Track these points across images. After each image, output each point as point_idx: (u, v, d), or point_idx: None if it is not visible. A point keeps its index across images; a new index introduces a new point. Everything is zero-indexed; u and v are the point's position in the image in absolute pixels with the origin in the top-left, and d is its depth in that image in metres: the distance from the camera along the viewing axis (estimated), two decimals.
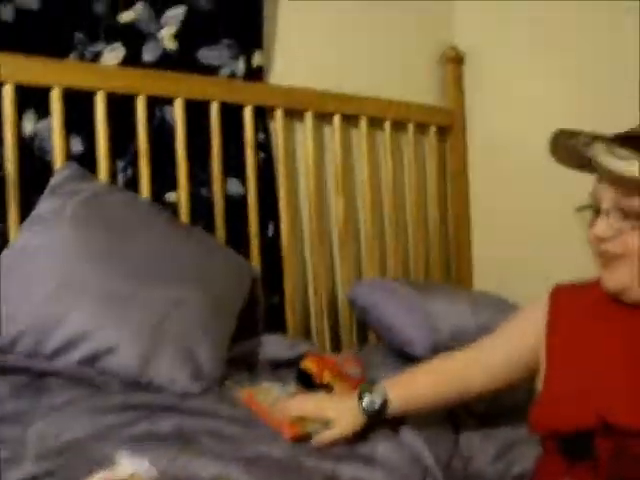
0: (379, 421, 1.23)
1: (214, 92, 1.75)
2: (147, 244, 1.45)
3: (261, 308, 1.81)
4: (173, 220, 1.62)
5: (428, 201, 2.24)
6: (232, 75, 1.79)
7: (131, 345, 1.33)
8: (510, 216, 2.18)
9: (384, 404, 1.22)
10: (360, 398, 1.22)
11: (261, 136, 1.85)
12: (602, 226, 1.04)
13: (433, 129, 2.22)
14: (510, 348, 1.23)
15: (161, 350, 1.34)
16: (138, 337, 1.34)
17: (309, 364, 1.46)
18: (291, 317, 1.88)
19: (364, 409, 1.21)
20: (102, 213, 1.45)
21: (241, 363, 1.58)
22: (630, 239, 1.02)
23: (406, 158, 2.18)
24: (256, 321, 1.81)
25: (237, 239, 1.79)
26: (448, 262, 2.32)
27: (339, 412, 1.21)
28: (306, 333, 1.97)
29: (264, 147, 1.86)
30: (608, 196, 1.03)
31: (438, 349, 1.60)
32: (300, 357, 1.58)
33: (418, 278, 2.17)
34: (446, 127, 2.28)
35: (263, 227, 1.84)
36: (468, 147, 2.32)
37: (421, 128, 2.22)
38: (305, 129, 1.93)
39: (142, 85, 1.65)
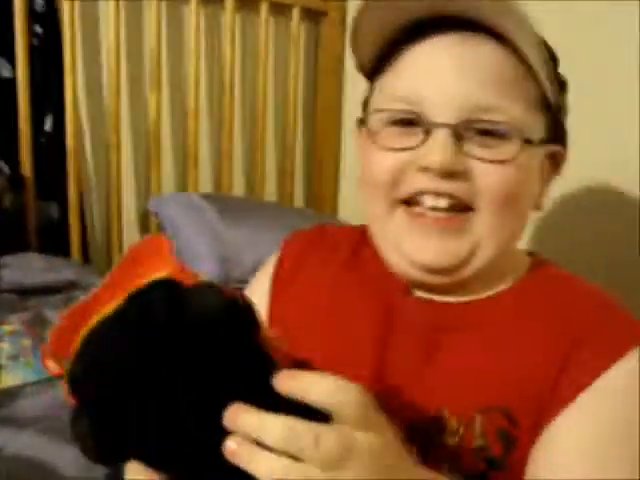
0: None
1: None
2: None
3: (32, 222, 1.48)
4: None
5: (287, 102, 1.84)
6: None
7: None
8: None
9: None
10: None
11: (40, 2, 1.45)
12: None
13: (297, 11, 1.79)
14: None
15: None
16: None
17: None
18: (76, 233, 1.53)
19: None
20: None
21: None
22: None
23: (260, 47, 1.76)
24: (25, 238, 1.48)
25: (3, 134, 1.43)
26: (309, 183, 1.95)
27: None
28: (109, 254, 1.64)
29: (45, 20, 1.46)
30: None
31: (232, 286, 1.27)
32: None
33: (263, 197, 1.81)
34: (317, 10, 1.85)
35: (39, 121, 1.48)
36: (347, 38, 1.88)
37: (279, 9, 1.78)
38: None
39: None
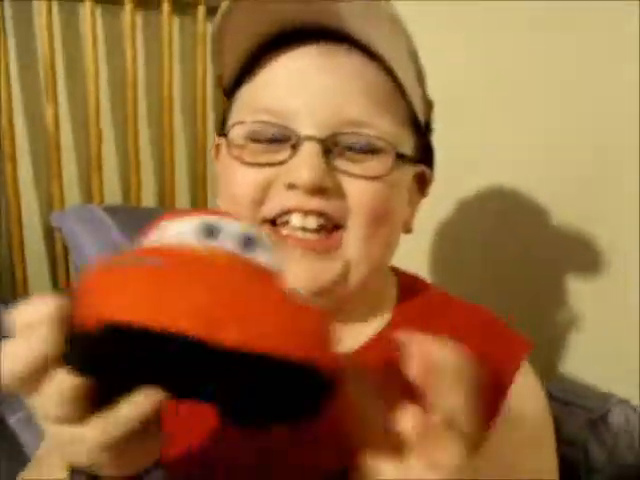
0: None
1: None
2: None
3: None
4: None
5: (196, 104, 1.73)
6: None
7: None
8: None
9: None
10: None
11: None
12: None
13: (202, 9, 1.69)
14: None
15: None
16: None
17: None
18: None
19: None
20: None
21: None
22: None
23: (164, 47, 1.65)
24: None
25: None
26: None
27: None
28: (12, 273, 1.54)
29: None
30: None
31: None
32: None
33: (175, 205, 1.72)
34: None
35: None
36: None
37: (183, 7, 1.69)
38: None
39: None
